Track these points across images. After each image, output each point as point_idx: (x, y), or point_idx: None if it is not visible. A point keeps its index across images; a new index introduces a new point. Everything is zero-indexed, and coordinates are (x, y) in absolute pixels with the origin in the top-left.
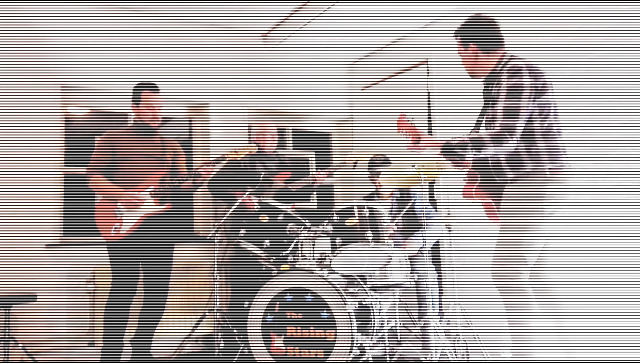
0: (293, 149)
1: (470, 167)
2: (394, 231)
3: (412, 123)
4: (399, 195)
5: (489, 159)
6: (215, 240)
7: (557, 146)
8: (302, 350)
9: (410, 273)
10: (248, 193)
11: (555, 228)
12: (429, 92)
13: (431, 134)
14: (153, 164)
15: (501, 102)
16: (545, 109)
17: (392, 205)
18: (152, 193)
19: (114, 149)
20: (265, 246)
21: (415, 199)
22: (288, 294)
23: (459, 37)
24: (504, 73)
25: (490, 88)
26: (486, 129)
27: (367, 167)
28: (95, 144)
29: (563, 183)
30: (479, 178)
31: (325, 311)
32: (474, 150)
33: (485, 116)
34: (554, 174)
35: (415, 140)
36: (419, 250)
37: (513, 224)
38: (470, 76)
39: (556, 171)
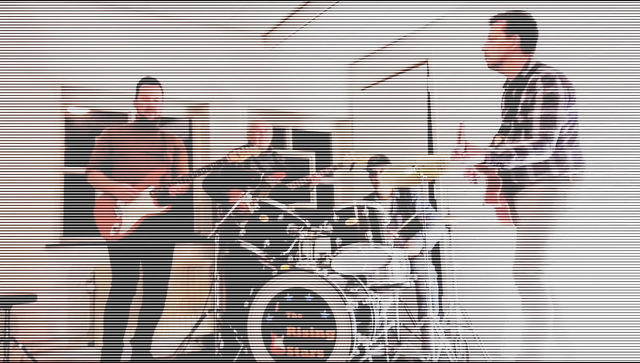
0: (293, 149)
1: (491, 172)
2: (395, 238)
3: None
4: (399, 195)
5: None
6: (215, 240)
7: (581, 152)
8: (302, 350)
9: (410, 273)
10: (248, 193)
11: (567, 229)
12: (429, 92)
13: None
14: (153, 161)
15: (538, 110)
16: (574, 117)
17: (392, 205)
18: (152, 193)
19: (114, 145)
20: (265, 246)
21: (415, 200)
22: (288, 294)
23: (501, 24)
24: (538, 80)
25: (515, 90)
26: (523, 135)
27: (366, 167)
28: (95, 141)
29: (580, 185)
30: (501, 183)
31: (325, 311)
32: (517, 160)
33: (513, 121)
34: (575, 178)
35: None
36: (420, 251)
37: (534, 226)
38: (490, 67)
39: (578, 176)
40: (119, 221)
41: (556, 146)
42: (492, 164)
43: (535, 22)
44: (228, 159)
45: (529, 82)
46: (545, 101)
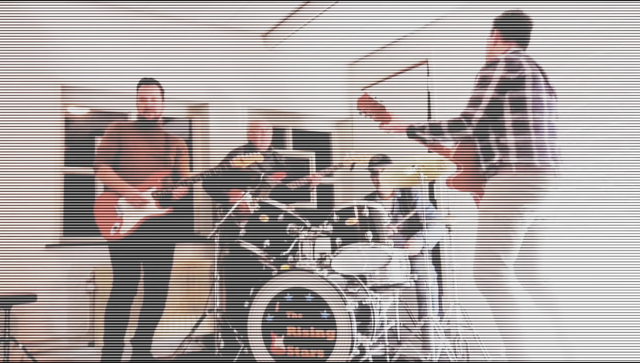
0: (293, 149)
1: (452, 155)
2: (394, 232)
3: (376, 102)
4: (399, 195)
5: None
6: (216, 240)
7: (532, 142)
8: (302, 350)
9: (410, 273)
10: (248, 193)
11: (549, 228)
12: (429, 92)
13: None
14: (156, 161)
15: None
16: (520, 102)
17: (393, 205)
18: (154, 194)
19: (121, 139)
20: (265, 246)
21: (416, 200)
22: (288, 294)
23: (499, 29)
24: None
25: None
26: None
27: (367, 167)
28: (103, 136)
29: (544, 182)
30: (460, 169)
31: (325, 311)
32: (432, 134)
33: None
34: (528, 172)
35: (385, 119)
36: (420, 250)
37: (489, 223)
38: None
39: (528, 168)
40: (119, 221)
41: (498, 131)
42: (411, 137)
43: (529, 19)
44: (231, 164)
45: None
46: (478, 82)
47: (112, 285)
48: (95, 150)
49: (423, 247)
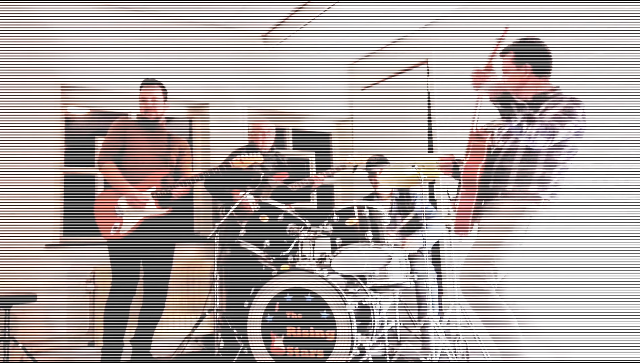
0: (293, 149)
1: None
2: (395, 232)
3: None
4: (398, 195)
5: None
6: (215, 240)
7: (556, 179)
8: (302, 350)
9: (410, 273)
10: (247, 193)
11: (549, 229)
12: (429, 92)
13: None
14: (157, 161)
15: (554, 111)
16: (571, 149)
17: (392, 205)
18: (154, 194)
19: (125, 138)
20: (265, 246)
21: (416, 200)
22: (288, 294)
23: (511, 56)
24: (559, 98)
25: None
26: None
27: (365, 167)
28: (108, 134)
29: (544, 211)
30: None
31: (325, 311)
32: (523, 121)
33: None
34: (539, 203)
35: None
36: (419, 250)
37: (489, 231)
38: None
39: (544, 201)
40: (119, 221)
41: (531, 158)
42: (502, 104)
43: (546, 46)
44: (231, 164)
45: (547, 101)
46: (563, 110)
47: (111, 285)
48: (100, 146)
49: (422, 247)
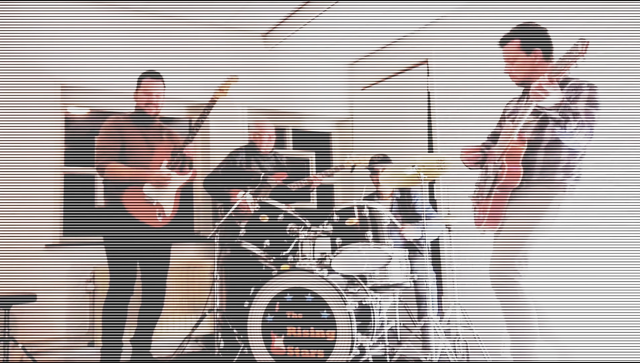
0: (293, 149)
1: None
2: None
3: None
4: (399, 195)
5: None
6: (215, 240)
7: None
8: (302, 350)
9: (410, 273)
10: (247, 193)
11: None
12: (429, 92)
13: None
14: (157, 144)
15: (583, 102)
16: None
17: (392, 205)
18: (169, 165)
19: (121, 134)
20: (265, 246)
21: (415, 200)
22: (288, 294)
23: (516, 44)
24: (580, 85)
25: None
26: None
27: (367, 167)
28: (101, 136)
29: (570, 192)
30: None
31: (325, 311)
32: (560, 116)
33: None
34: (565, 183)
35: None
36: (419, 250)
37: (519, 227)
38: (516, 83)
39: (569, 182)
40: (159, 207)
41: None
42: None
43: (545, 28)
44: (214, 98)
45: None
46: (589, 99)
47: (108, 285)
48: (97, 148)
49: (421, 247)
